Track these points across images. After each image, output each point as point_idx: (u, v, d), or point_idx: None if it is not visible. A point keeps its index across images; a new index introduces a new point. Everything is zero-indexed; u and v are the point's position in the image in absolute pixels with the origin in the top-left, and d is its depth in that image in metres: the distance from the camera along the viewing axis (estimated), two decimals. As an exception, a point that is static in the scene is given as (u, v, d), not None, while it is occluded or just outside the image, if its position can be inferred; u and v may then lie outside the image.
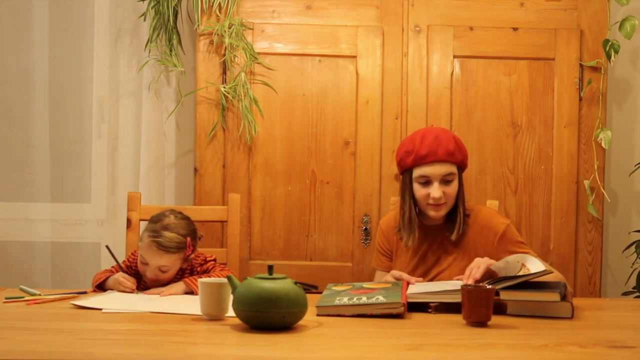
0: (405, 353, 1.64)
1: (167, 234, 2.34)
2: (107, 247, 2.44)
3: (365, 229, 3.02)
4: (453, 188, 2.37)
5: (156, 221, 2.39)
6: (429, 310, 2.04)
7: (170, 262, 2.35)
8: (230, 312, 1.88)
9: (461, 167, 2.41)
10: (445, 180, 2.35)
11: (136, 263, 2.41)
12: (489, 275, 2.14)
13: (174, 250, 2.34)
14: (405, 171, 2.40)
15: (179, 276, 2.40)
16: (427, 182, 2.36)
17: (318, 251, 3.04)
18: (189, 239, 2.37)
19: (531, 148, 3.05)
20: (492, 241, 2.35)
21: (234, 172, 3.01)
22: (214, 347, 1.70)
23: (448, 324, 1.90)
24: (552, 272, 2.15)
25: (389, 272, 2.40)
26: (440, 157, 2.34)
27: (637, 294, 3.06)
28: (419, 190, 2.37)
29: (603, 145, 2.99)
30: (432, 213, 2.38)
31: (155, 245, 2.33)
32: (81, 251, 3.34)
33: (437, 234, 2.44)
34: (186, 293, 2.30)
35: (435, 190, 2.34)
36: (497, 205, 2.74)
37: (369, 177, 3.02)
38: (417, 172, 2.36)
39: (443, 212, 2.39)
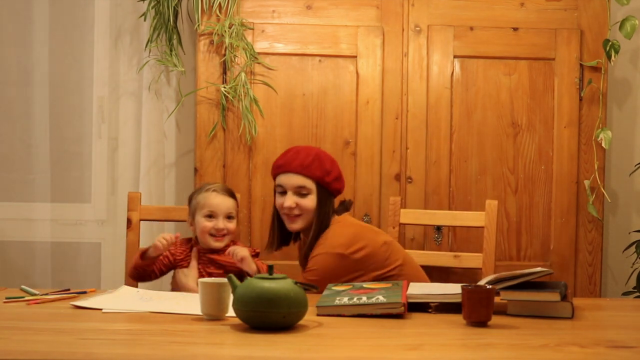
0: (405, 353, 1.64)
1: (218, 184, 2.55)
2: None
3: (366, 229, 3.02)
4: (309, 201, 2.43)
5: (200, 188, 2.53)
6: (429, 310, 2.04)
7: (234, 208, 2.48)
8: (230, 312, 1.88)
9: (321, 184, 2.44)
10: (299, 193, 2.43)
11: (173, 257, 2.45)
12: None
13: (232, 194, 2.51)
14: (274, 182, 2.53)
15: (228, 245, 2.46)
16: (283, 191, 2.46)
17: (318, 251, 3.03)
18: (235, 194, 2.54)
19: (531, 148, 3.05)
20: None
21: (234, 172, 3.01)
22: (214, 347, 1.70)
23: (448, 324, 1.90)
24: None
25: None
26: (293, 168, 2.44)
27: (637, 294, 3.06)
28: (277, 199, 2.49)
29: (603, 145, 2.99)
30: (288, 225, 2.48)
31: (217, 192, 2.47)
32: (81, 251, 3.34)
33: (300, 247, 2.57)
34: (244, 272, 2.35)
35: (287, 199, 2.43)
36: (496, 205, 2.74)
37: (369, 177, 3.02)
38: (276, 181, 2.50)
39: (298, 225, 2.46)
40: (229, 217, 2.47)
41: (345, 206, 2.54)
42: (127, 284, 2.55)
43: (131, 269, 2.49)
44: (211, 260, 2.46)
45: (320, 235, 2.43)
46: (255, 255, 2.48)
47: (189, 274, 2.43)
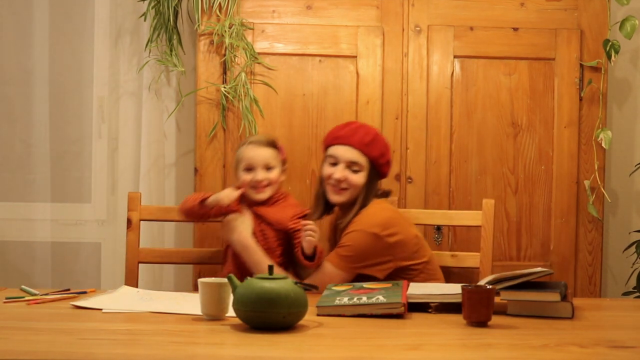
0: (405, 353, 1.64)
1: (258, 135, 2.58)
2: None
3: (366, 229, 3.01)
4: (358, 178, 2.44)
5: (242, 142, 2.55)
6: (429, 310, 2.04)
7: (273, 158, 2.46)
8: (230, 312, 1.88)
9: (374, 165, 2.45)
10: (351, 168, 2.43)
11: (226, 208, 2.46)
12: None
13: (270, 144, 2.48)
14: (325, 151, 2.52)
15: (278, 196, 2.48)
16: (334, 163, 2.45)
17: (318, 251, 3.03)
18: (279, 142, 2.52)
19: (531, 148, 3.05)
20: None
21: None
22: (214, 347, 1.70)
23: (448, 324, 1.90)
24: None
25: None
26: (352, 142, 2.44)
27: (637, 294, 3.06)
28: (325, 169, 2.47)
29: (603, 145, 2.99)
30: (331, 196, 2.46)
31: (253, 144, 2.47)
32: (81, 251, 3.34)
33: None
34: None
35: (338, 171, 2.43)
36: (493, 204, 2.73)
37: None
38: (328, 152, 2.48)
39: (342, 198, 2.45)
40: (268, 168, 2.46)
41: (386, 193, 2.56)
42: (127, 284, 2.56)
43: (185, 208, 2.47)
44: (259, 217, 2.46)
45: (358, 213, 2.43)
46: (303, 216, 2.48)
47: (245, 221, 2.44)
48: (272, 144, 2.51)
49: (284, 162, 2.53)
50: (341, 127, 2.52)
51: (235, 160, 2.52)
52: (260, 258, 2.38)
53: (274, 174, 2.47)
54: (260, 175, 2.44)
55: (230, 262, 2.48)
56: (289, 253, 2.47)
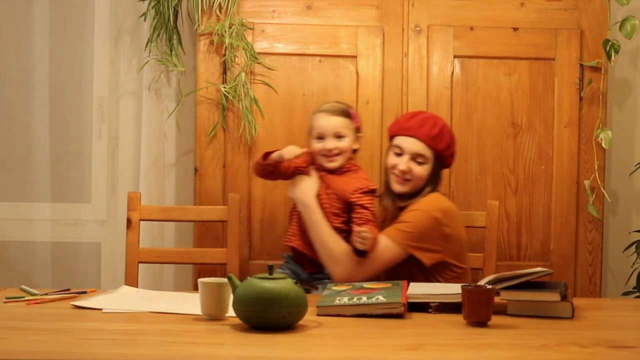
0: (405, 353, 1.64)
1: (331, 104, 2.54)
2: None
3: (366, 229, 3.01)
4: (422, 170, 2.45)
5: (317, 109, 2.56)
6: (429, 310, 2.04)
7: (344, 127, 2.46)
8: (230, 312, 1.88)
9: (439, 157, 2.45)
10: (415, 159, 2.44)
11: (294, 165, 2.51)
12: None
13: (343, 113, 2.48)
14: (390, 139, 2.52)
15: (349, 167, 2.49)
16: (399, 153, 2.46)
17: (318, 251, 3.03)
18: (352, 110, 2.51)
19: (531, 148, 3.05)
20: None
21: (234, 172, 3.01)
22: (214, 347, 1.70)
23: (448, 324, 1.90)
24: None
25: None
26: (419, 134, 2.44)
27: (637, 294, 3.06)
28: (390, 158, 2.48)
29: (603, 145, 2.99)
30: (394, 185, 2.48)
31: (324, 111, 2.48)
32: (81, 251, 3.34)
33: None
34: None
35: (402, 162, 2.43)
36: (497, 206, 2.74)
37: (370, 177, 3.01)
38: (394, 142, 2.48)
39: (404, 188, 2.46)
40: (338, 136, 2.47)
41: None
42: (127, 283, 2.56)
43: (253, 164, 2.58)
44: (327, 185, 2.48)
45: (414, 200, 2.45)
46: (370, 191, 2.49)
47: (311, 181, 2.47)
48: (344, 113, 2.51)
49: (357, 130, 2.53)
50: (409, 117, 2.51)
51: (309, 128, 2.55)
52: (318, 218, 2.41)
53: (344, 143, 2.48)
54: (331, 144, 2.47)
55: (294, 222, 2.53)
56: (348, 222, 2.48)
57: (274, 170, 2.52)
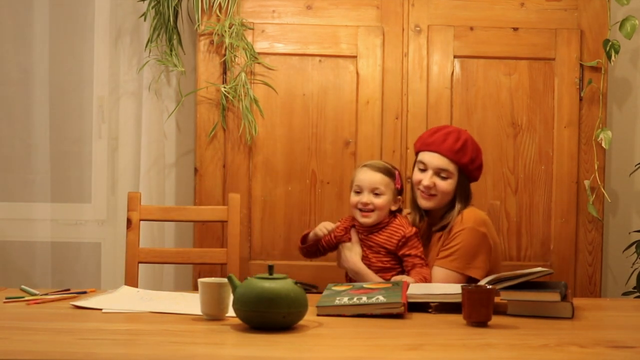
0: (405, 353, 1.64)
1: (375, 161, 2.58)
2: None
3: (366, 229, 3.01)
4: (447, 185, 2.44)
5: (361, 164, 2.57)
6: (429, 310, 2.04)
7: (383, 185, 2.45)
8: (230, 312, 1.88)
9: (464, 171, 2.44)
10: (439, 174, 2.43)
11: (334, 236, 2.51)
12: None
13: (384, 171, 2.47)
14: (416, 155, 2.53)
15: (387, 222, 2.46)
16: (424, 169, 2.46)
17: (318, 251, 3.03)
18: (397, 172, 2.50)
19: (531, 148, 3.05)
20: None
21: (234, 172, 3.01)
22: (214, 347, 1.70)
23: (448, 324, 1.90)
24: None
25: None
26: (441, 149, 2.44)
27: (637, 294, 3.06)
28: (415, 174, 2.49)
29: (603, 145, 2.99)
30: (420, 201, 2.48)
31: (367, 166, 2.48)
32: (81, 251, 3.34)
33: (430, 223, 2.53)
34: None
35: (427, 178, 2.43)
36: (498, 206, 2.74)
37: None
38: (418, 157, 2.49)
39: (430, 204, 2.46)
40: (375, 193, 2.46)
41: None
42: (127, 283, 2.56)
43: (299, 250, 2.60)
44: (367, 244, 2.48)
45: (447, 216, 2.44)
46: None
47: (353, 248, 2.48)
48: (386, 171, 2.49)
49: (398, 191, 2.50)
50: (432, 133, 2.50)
51: (351, 180, 2.55)
52: (372, 280, 2.41)
53: (380, 200, 2.45)
54: (366, 198, 2.45)
55: None
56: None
57: (318, 248, 2.56)
